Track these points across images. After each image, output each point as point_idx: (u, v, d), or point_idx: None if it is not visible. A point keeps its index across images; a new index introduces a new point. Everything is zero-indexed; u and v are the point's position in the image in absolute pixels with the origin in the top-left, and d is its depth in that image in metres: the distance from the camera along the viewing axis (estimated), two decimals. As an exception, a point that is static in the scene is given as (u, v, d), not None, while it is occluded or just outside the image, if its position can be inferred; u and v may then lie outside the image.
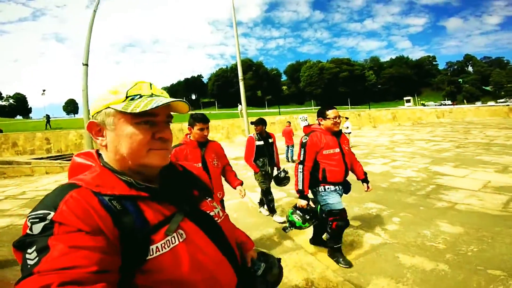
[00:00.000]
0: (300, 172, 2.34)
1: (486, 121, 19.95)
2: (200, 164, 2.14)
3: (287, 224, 2.42)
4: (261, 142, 3.70)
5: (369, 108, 32.28)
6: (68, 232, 0.45)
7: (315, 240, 2.74)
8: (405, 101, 64.97)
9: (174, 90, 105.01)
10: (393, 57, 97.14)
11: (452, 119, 22.45)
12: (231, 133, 15.48)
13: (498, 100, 52.27)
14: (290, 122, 9.64)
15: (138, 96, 0.58)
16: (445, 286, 2.00)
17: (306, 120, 21.36)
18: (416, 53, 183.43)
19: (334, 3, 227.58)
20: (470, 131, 13.61)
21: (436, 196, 4.11)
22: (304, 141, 2.37)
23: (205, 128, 2.16)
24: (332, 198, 2.33)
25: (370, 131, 17.56)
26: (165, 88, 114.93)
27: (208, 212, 0.69)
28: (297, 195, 2.40)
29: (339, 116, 2.38)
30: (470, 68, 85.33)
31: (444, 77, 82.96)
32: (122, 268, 0.49)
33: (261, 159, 3.69)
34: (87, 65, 7.15)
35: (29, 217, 0.47)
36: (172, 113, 0.64)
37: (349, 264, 2.34)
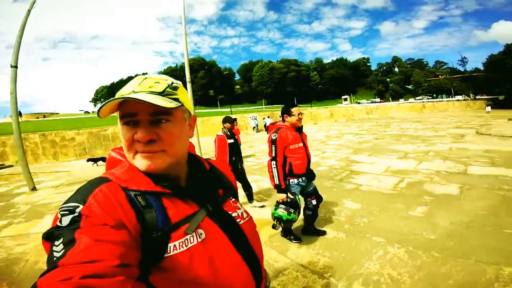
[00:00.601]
0: (274, 167, 2.50)
1: (405, 116, 23.72)
2: None
3: (274, 222, 2.55)
4: (232, 140, 3.80)
5: (311, 106, 35.17)
6: (94, 225, 0.46)
7: (306, 230, 2.90)
8: (342, 100, 72.36)
9: (111, 90, 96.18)
10: (334, 59, 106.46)
11: (379, 115, 26.01)
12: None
13: (417, 98, 61.71)
14: (236, 121, 10.13)
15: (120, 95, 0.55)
16: (341, 250, 2.56)
17: (256, 119, 22.09)
18: (355, 55, 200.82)
19: (287, 4, 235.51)
20: (390, 125, 16.12)
21: (347, 180, 4.98)
22: (273, 138, 2.52)
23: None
24: (293, 191, 2.59)
25: (310, 127, 19.23)
26: (104, 87, 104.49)
27: (230, 213, 0.67)
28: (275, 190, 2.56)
29: (301, 113, 2.63)
30: (396, 69, 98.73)
31: (375, 77, 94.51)
32: (141, 263, 0.49)
33: (234, 158, 3.76)
34: (16, 67, 6.42)
35: (60, 209, 0.49)
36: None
37: (299, 240, 2.74)
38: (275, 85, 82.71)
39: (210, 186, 0.69)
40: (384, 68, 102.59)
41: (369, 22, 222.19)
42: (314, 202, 2.72)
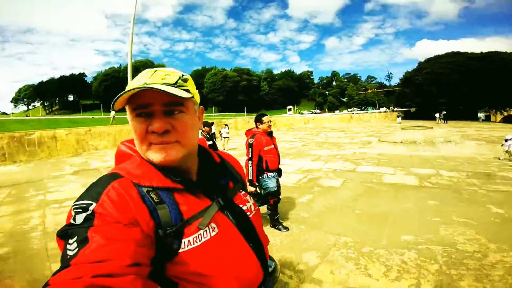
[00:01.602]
0: (250, 166, 3.03)
1: (335, 126, 27.05)
2: None
3: None
4: (211, 142, 4.11)
5: (257, 115, 37.08)
6: (107, 223, 0.46)
7: (273, 224, 3.32)
8: (287, 110, 77.56)
9: (42, 89, 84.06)
10: (283, 70, 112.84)
11: (314, 125, 28.96)
12: (120, 140, 14.58)
13: (348, 110, 69.76)
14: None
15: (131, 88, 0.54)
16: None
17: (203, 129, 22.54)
18: (302, 67, 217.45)
19: (247, 14, 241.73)
20: (319, 134, 18.26)
21: (264, 179, 6.05)
22: (250, 142, 3.04)
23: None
24: (271, 183, 3.14)
25: (255, 135, 20.51)
26: (31, 86, 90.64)
27: (240, 206, 0.68)
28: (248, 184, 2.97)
29: (271, 121, 3.22)
30: (334, 83, 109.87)
31: (317, 90, 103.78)
32: (154, 260, 0.50)
33: None
34: None
35: (74, 206, 0.49)
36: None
37: (287, 229, 3.24)
38: (227, 93, 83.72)
39: (220, 179, 0.69)
40: (324, 81, 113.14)
41: (317, 37, 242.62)
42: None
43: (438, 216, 3.47)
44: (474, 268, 2.29)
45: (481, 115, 33.32)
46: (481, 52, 36.37)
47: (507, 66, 30.90)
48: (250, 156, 3.07)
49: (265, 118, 3.19)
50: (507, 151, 7.25)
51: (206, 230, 0.57)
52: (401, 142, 9.43)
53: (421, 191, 4.69)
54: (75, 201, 0.50)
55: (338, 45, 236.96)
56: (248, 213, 0.69)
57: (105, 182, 0.53)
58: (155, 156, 0.56)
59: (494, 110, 34.56)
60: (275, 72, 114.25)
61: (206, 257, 0.55)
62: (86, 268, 0.40)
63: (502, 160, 7.06)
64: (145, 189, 0.54)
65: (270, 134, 3.24)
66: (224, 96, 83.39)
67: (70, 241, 0.45)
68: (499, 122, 30.46)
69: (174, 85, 0.56)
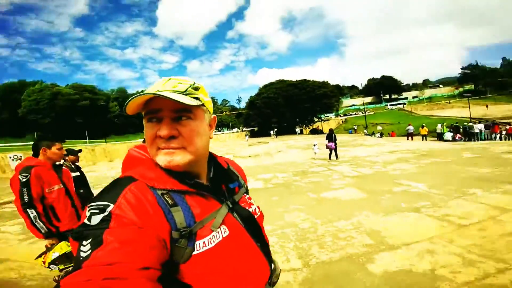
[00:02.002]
0: (34, 215, 2.00)
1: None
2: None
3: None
4: (78, 173, 3.45)
5: (106, 142, 31.86)
6: (123, 225, 0.46)
7: None
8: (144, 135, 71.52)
9: None
10: (140, 90, 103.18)
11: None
12: None
13: None
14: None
15: (139, 94, 0.55)
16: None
17: (20, 159, 16.33)
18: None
19: (104, 25, 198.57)
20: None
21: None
22: (23, 180, 2.00)
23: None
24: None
25: (104, 165, 17.62)
26: None
27: (247, 208, 0.70)
28: None
29: (62, 147, 2.27)
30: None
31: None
32: (167, 263, 0.50)
33: (82, 190, 3.24)
34: None
35: (90, 207, 0.49)
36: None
37: None
38: (57, 115, 65.37)
39: (229, 183, 0.72)
40: None
41: (180, 58, 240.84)
42: None
43: (281, 207, 4.53)
44: (314, 239, 3.19)
45: (297, 130, 45.61)
46: (296, 80, 49.18)
47: (310, 92, 44.12)
48: (25, 200, 2.00)
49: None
50: (315, 153, 10.48)
51: (218, 232, 0.58)
52: (249, 156, 11.36)
53: (266, 191, 5.90)
54: (90, 203, 0.50)
55: (199, 69, 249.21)
56: (254, 215, 0.72)
57: (122, 185, 0.53)
58: (161, 160, 0.58)
59: (304, 125, 48.47)
60: (130, 91, 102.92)
61: (221, 258, 0.56)
62: (98, 271, 0.40)
63: (315, 159, 10.13)
64: (159, 192, 0.55)
65: (58, 167, 2.30)
66: (53, 119, 64.66)
67: (84, 242, 0.44)
68: (308, 134, 43.09)
69: (184, 92, 0.58)
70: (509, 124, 19.29)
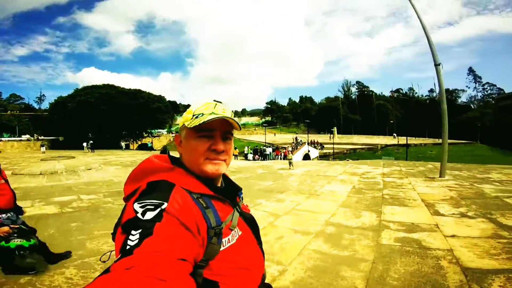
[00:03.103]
0: None
1: None
2: None
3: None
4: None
5: None
6: (172, 222, 0.54)
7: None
8: None
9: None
10: None
11: None
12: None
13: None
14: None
15: (201, 114, 0.70)
16: None
17: None
18: None
19: None
20: None
21: None
22: None
23: None
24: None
25: None
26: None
27: (249, 213, 0.85)
28: None
29: None
30: None
31: None
32: (201, 260, 0.59)
33: None
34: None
35: (142, 204, 0.57)
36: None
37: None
38: None
39: (235, 191, 0.83)
40: None
41: None
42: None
43: (83, 235, 3.68)
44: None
45: (123, 144, 40.03)
46: (130, 88, 42.67)
47: (144, 104, 40.06)
48: None
49: None
50: None
51: (235, 231, 0.70)
52: (41, 174, 8.53)
53: (63, 216, 4.63)
54: (139, 200, 0.58)
55: None
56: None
57: (168, 186, 0.63)
58: (210, 168, 0.70)
59: (132, 140, 43.86)
60: None
61: (240, 253, 0.67)
62: (148, 256, 0.47)
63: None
64: (195, 196, 0.65)
65: None
66: None
67: (134, 232, 0.51)
68: (136, 149, 39.38)
69: (234, 117, 0.73)
70: (284, 148, 28.36)
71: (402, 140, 42.74)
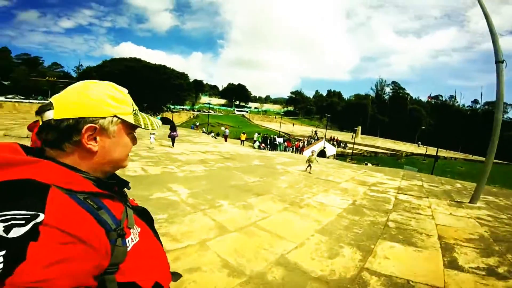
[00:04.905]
0: None
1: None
2: None
3: None
4: None
5: None
6: (57, 239, 0.42)
7: None
8: None
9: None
10: None
11: None
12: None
13: (7, 96, 51.76)
14: None
15: (137, 110, 0.69)
16: None
17: None
18: None
19: None
20: None
21: None
22: None
23: None
24: None
25: None
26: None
27: (137, 205, 0.76)
28: None
29: None
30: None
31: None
32: (109, 265, 0.51)
33: None
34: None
35: (6, 218, 0.40)
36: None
37: None
38: None
39: (121, 185, 0.72)
40: None
41: (13, 3, 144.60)
42: None
43: None
44: None
45: (144, 116, 41.15)
46: (154, 64, 44.60)
47: (167, 79, 41.27)
48: None
49: None
50: (151, 142, 10.68)
51: (134, 228, 0.63)
52: (27, 137, 8.03)
53: None
54: (5, 211, 0.41)
55: (35, 21, 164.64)
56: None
57: (40, 189, 0.46)
58: (127, 162, 0.68)
59: (152, 113, 44.61)
60: None
61: (145, 249, 0.62)
62: None
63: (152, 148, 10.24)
64: (80, 196, 0.51)
65: None
66: None
67: None
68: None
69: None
70: (299, 141, 26.71)
71: (431, 150, 38.88)
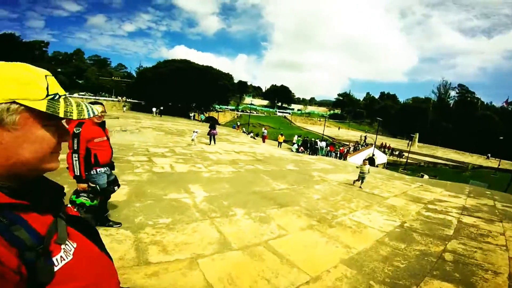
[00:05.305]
0: (76, 160, 2.53)
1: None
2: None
3: (75, 209, 2.39)
4: None
5: None
6: None
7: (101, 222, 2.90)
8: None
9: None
10: None
11: None
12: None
13: (80, 93, 60.39)
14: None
15: (57, 95, 0.52)
16: None
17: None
18: (43, 36, 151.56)
19: None
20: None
21: None
22: (76, 132, 2.52)
23: None
24: (101, 180, 2.80)
25: None
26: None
27: (76, 215, 0.65)
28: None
29: (104, 110, 2.86)
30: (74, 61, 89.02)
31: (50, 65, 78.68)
32: (30, 287, 0.43)
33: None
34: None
35: None
36: None
37: (119, 224, 2.97)
38: None
39: (51, 192, 0.59)
40: (60, 57, 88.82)
41: (84, 9, 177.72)
42: (116, 188, 3.11)
43: None
44: None
45: (191, 114, 43.65)
46: (202, 65, 47.30)
47: (213, 80, 43.19)
48: (75, 148, 2.55)
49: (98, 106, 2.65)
50: (192, 139, 11.14)
51: (67, 244, 0.52)
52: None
53: None
54: None
55: (103, 25, 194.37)
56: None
57: None
58: (56, 163, 0.54)
59: (198, 111, 47.03)
60: None
61: (84, 269, 0.52)
62: None
63: (191, 145, 10.94)
64: None
65: (101, 124, 2.87)
66: None
67: None
68: (203, 121, 41.93)
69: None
70: (344, 146, 24.79)
71: (506, 164, 32.19)
